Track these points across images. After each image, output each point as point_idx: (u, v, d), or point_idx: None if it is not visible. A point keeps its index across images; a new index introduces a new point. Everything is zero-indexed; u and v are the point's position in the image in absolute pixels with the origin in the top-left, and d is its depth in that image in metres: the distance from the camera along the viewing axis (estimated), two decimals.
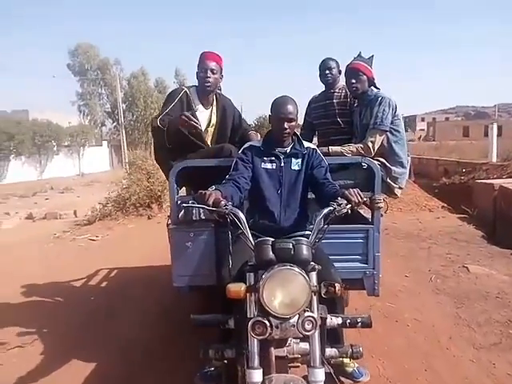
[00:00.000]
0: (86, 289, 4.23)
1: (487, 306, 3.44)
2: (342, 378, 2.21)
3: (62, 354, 2.83)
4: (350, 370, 2.22)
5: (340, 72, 3.04)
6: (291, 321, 1.56)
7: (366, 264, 2.48)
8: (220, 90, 2.84)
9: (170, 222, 2.54)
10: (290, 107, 2.11)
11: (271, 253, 1.57)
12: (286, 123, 2.10)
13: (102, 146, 26.19)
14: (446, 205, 8.22)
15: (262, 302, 1.52)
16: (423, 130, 49.96)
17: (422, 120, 56.96)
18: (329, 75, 2.98)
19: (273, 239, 1.62)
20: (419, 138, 42.81)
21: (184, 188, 3.12)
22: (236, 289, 1.57)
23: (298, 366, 1.88)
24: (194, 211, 2.59)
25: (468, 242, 5.55)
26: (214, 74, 2.60)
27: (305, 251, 1.58)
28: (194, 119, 2.37)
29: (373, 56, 2.72)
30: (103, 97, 34.58)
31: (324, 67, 2.99)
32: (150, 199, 7.93)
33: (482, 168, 9.80)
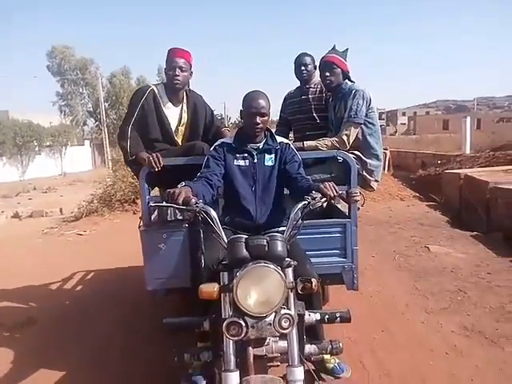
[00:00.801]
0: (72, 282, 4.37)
1: (442, 279, 3.86)
2: (323, 375, 2.17)
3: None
4: (330, 366, 2.19)
5: (315, 67, 3.00)
6: (267, 319, 1.51)
7: (345, 258, 2.46)
8: (189, 86, 2.76)
9: (141, 223, 2.45)
10: (262, 101, 2.06)
11: (245, 250, 1.51)
12: (258, 118, 2.05)
13: (83, 145, 26.10)
14: (417, 194, 8.72)
15: (236, 302, 1.46)
16: (404, 124, 50.42)
17: (403, 114, 56.87)
18: (304, 71, 2.94)
19: (246, 236, 1.56)
20: (395, 133, 43.40)
21: (157, 188, 3.03)
22: (209, 289, 1.50)
23: (278, 365, 1.83)
24: (168, 211, 2.51)
25: (433, 226, 6.00)
26: (182, 71, 2.52)
27: (279, 247, 1.53)
28: (161, 161, 2.32)
29: (347, 49, 2.69)
30: (84, 96, 34.73)
31: (299, 63, 2.94)
32: (134, 195, 8.04)
33: (456, 160, 10.42)
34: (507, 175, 6.32)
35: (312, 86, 3.01)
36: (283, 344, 1.65)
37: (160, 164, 2.31)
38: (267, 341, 1.64)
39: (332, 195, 1.75)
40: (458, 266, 4.17)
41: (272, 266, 1.49)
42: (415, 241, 5.21)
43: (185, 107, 2.69)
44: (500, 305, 3.24)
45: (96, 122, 33.60)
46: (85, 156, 24.82)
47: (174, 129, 2.65)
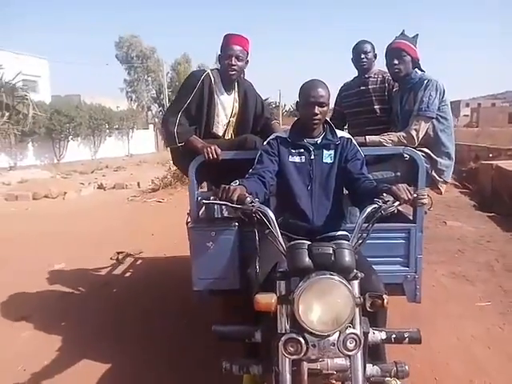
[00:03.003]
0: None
1: (448, 243, 4.71)
2: None
3: None
4: None
5: (375, 56, 2.77)
6: (331, 338, 1.33)
7: (408, 267, 2.25)
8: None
9: (189, 219, 2.33)
10: (322, 90, 1.86)
11: (307, 258, 1.33)
12: (316, 108, 1.85)
13: (148, 129, 27.44)
14: (457, 183, 9.04)
15: (296, 317, 1.29)
16: (467, 115, 47.12)
17: (467, 106, 53.22)
18: (364, 59, 2.71)
19: (309, 242, 1.37)
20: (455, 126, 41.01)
21: (205, 183, 2.91)
22: (266, 300, 1.33)
23: None
24: (215, 208, 2.39)
25: (458, 208, 6.67)
26: (239, 60, 2.34)
27: (347, 257, 1.34)
28: (219, 152, 2.18)
29: (417, 35, 2.41)
30: (149, 83, 36.11)
31: (359, 50, 2.71)
32: None
33: (507, 153, 10.60)
34: None
35: (372, 75, 2.76)
36: (340, 361, 1.46)
37: (218, 156, 2.15)
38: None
39: (406, 198, 1.53)
40: (464, 236, 4.97)
41: (339, 278, 1.30)
42: (437, 217, 5.82)
43: (236, 96, 2.51)
44: (486, 261, 4.17)
45: (160, 107, 35.17)
46: (149, 139, 26.23)
47: (225, 120, 2.49)
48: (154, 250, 4.77)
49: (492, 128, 19.66)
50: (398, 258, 2.24)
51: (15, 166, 14.87)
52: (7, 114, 13.63)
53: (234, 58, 2.32)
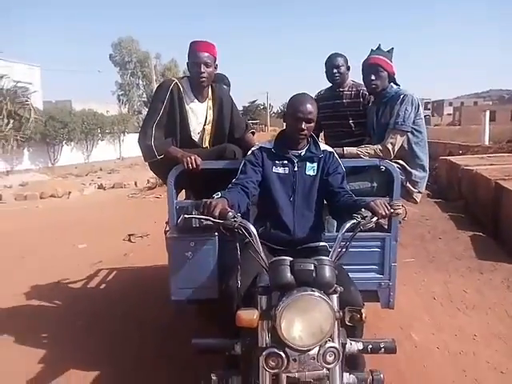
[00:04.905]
0: None
1: None
2: None
3: None
4: None
5: (349, 68, 2.81)
6: (311, 353, 1.35)
7: (382, 275, 2.30)
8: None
9: (167, 228, 2.31)
10: (310, 107, 1.89)
11: (290, 274, 1.35)
12: (304, 123, 1.88)
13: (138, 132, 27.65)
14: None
15: (278, 333, 1.30)
16: (450, 114, 48.56)
17: (450, 105, 54.89)
18: (337, 74, 2.74)
19: (291, 258, 1.39)
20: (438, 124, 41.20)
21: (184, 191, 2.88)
22: (249, 317, 1.34)
23: None
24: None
25: None
26: (208, 67, 2.30)
27: (328, 273, 1.37)
28: (199, 162, 2.16)
29: (392, 49, 2.47)
30: (140, 87, 37.12)
31: (331, 65, 2.74)
32: None
33: (474, 150, 11.68)
34: (481, 160, 7.95)
35: (346, 89, 2.81)
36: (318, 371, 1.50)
37: (198, 166, 2.14)
38: None
39: (384, 214, 1.58)
40: (408, 216, 5.74)
41: (319, 294, 1.32)
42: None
43: (210, 103, 2.46)
44: (420, 232, 5.10)
45: None
46: None
47: (200, 128, 2.45)
48: (157, 232, 5.03)
49: (472, 126, 20.44)
50: (373, 266, 2.28)
51: (12, 171, 15.34)
52: (12, 121, 14.43)
53: (202, 65, 2.28)
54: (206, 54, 2.31)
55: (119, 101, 35.48)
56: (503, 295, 3.38)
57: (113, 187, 11.51)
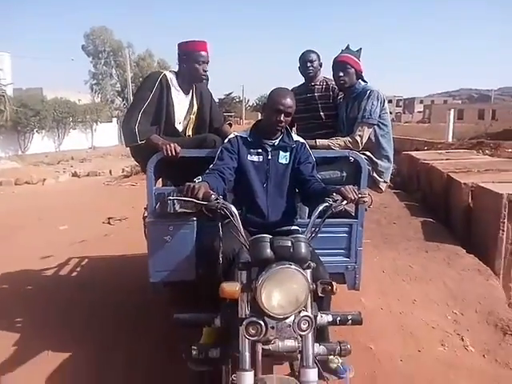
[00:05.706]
0: None
1: None
2: (326, 375, 2.17)
3: None
4: (334, 366, 2.17)
5: (321, 65, 2.96)
6: (287, 321, 1.49)
7: (348, 258, 2.46)
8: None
9: (146, 214, 2.37)
10: (290, 101, 2.02)
11: (269, 250, 1.48)
12: (282, 116, 2.01)
13: (111, 122, 27.57)
14: None
15: (258, 303, 1.43)
16: (421, 112, 49.38)
17: (421, 102, 55.66)
18: (310, 68, 2.89)
19: (270, 236, 1.52)
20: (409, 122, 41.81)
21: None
22: (232, 288, 1.46)
23: (282, 363, 1.85)
24: (168, 203, 2.44)
25: None
26: (207, 64, 2.47)
27: (304, 249, 1.51)
28: (178, 150, 2.23)
29: (361, 49, 2.66)
30: (113, 77, 36.44)
31: (305, 59, 2.89)
32: None
33: (438, 146, 12.37)
34: (439, 155, 8.35)
35: (317, 83, 2.97)
36: (289, 343, 1.62)
37: (177, 153, 2.22)
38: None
39: (353, 198, 1.74)
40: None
41: (296, 267, 1.47)
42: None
43: (194, 97, 2.62)
44: (377, 218, 5.29)
45: (123, 101, 35.05)
46: (112, 132, 26.27)
47: (183, 118, 2.57)
48: (135, 217, 5.11)
49: (441, 124, 21.52)
50: (341, 250, 2.45)
51: None
52: None
53: (205, 65, 2.43)
54: (205, 53, 2.45)
55: (92, 90, 34.88)
56: (443, 270, 3.77)
57: (87, 175, 11.83)
